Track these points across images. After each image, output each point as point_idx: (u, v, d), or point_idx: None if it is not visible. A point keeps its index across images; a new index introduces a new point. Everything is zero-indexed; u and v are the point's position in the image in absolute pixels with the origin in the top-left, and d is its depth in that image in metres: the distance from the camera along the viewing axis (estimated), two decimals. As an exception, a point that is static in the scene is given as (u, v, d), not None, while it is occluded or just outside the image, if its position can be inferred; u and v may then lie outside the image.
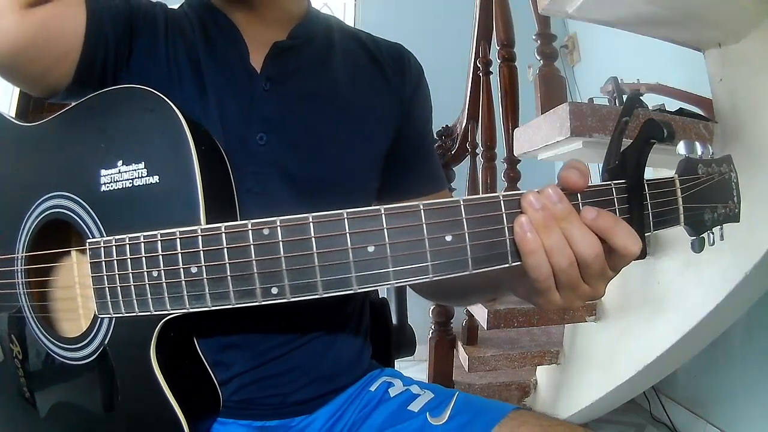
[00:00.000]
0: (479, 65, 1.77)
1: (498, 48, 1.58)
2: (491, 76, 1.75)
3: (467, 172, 1.89)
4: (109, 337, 0.48)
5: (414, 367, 1.74)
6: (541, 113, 1.17)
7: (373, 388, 0.66)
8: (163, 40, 0.60)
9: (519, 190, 1.56)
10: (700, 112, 1.16)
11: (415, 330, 0.93)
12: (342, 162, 0.63)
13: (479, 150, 1.78)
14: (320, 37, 0.67)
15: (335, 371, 0.64)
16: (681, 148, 0.45)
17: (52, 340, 0.53)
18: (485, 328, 1.53)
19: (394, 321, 0.89)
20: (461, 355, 1.62)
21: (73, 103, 0.53)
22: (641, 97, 1.26)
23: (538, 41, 1.45)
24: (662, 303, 1.23)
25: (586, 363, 1.50)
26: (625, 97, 1.32)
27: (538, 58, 1.45)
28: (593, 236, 0.39)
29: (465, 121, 1.86)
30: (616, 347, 1.38)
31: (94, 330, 0.49)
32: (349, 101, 0.64)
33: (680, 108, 1.15)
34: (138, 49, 0.58)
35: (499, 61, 1.57)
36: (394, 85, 0.68)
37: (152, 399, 0.46)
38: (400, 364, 0.84)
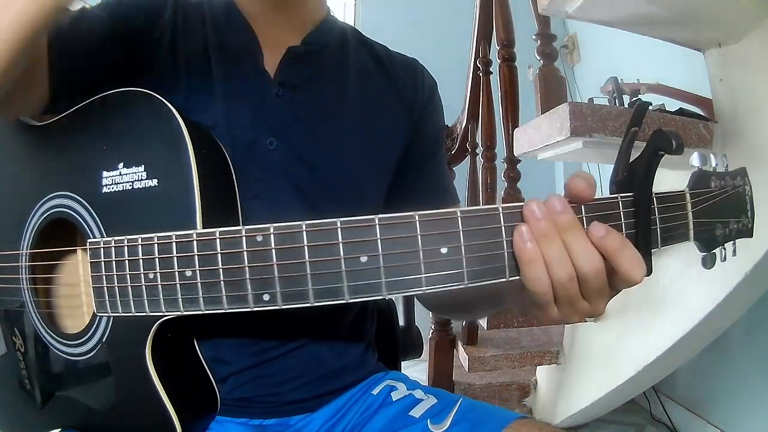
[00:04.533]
0: (479, 65, 1.77)
1: (498, 48, 1.58)
2: (491, 76, 1.75)
3: (467, 172, 1.89)
4: (107, 334, 0.49)
5: (414, 366, 1.73)
6: (541, 113, 1.17)
7: (375, 392, 0.65)
8: (170, 40, 0.59)
9: (519, 190, 1.56)
10: (700, 112, 1.16)
11: (415, 330, 0.92)
12: (349, 174, 0.62)
13: (479, 150, 1.78)
14: (334, 46, 0.67)
15: (335, 372, 0.64)
16: (694, 159, 0.43)
17: (53, 335, 0.54)
18: (485, 328, 1.53)
19: (401, 322, 0.89)
20: (461, 355, 1.62)
21: (79, 105, 0.53)
22: (641, 96, 1.26)
23: (538, 41, 1.45)
24: (662, 303, 1.23)
25: (586, 363, 1.50)
26: (626, 98, 1.32)
27: (538, 58, 1.45)
28: (595, 251, 0.38)
29: (465, 121, 1.86)
30: (616, 347, 1.38)
31: (93, 327, 0.50)
32: (360, 114, 0.64)
33: (680, 108, 1.15)
34: (142, 58, 0.57)
35: (499, 61, 1.57)
36: (405, 100, 0.68)
37: (146, 397, 0.47)
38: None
